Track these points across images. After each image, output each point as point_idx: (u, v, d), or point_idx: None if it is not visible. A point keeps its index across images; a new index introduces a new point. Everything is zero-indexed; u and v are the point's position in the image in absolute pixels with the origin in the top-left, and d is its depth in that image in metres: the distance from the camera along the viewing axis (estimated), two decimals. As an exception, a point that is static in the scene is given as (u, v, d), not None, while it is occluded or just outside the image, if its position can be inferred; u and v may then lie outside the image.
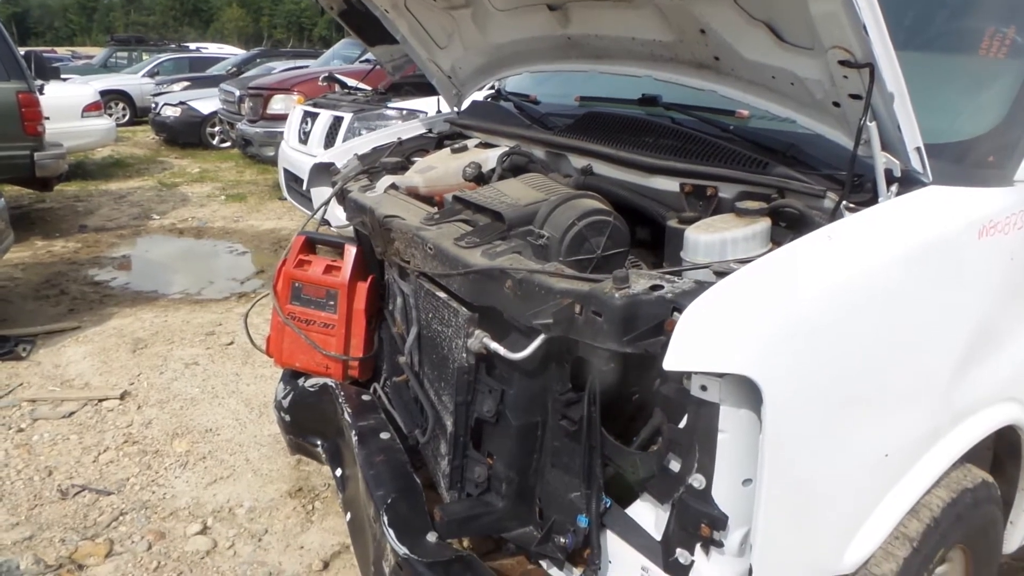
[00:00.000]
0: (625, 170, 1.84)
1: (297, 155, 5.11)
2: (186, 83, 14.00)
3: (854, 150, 1.35)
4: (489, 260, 1.53)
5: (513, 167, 2.11)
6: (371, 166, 2.48)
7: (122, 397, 3.60)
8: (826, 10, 1.27)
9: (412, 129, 2.84)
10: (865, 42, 1.25)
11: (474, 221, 1.76)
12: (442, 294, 1.69)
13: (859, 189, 1.47)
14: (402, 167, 2.41)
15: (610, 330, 1.26)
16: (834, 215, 1.40)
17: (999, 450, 1.77)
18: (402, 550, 1.49)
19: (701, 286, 1.24)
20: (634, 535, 1.39)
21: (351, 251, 2.18)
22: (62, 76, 11.67)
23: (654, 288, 1.28)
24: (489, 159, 2.25)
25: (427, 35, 2.61)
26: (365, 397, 2.05)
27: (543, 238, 1.59)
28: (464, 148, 2.36)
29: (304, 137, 5.11)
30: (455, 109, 2.87)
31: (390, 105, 4.85)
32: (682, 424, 1.27)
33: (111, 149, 11.02)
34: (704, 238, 1.43)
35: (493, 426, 1.55)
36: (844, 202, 1.43)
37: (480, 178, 2.19)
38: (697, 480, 1.24)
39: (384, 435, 1.86)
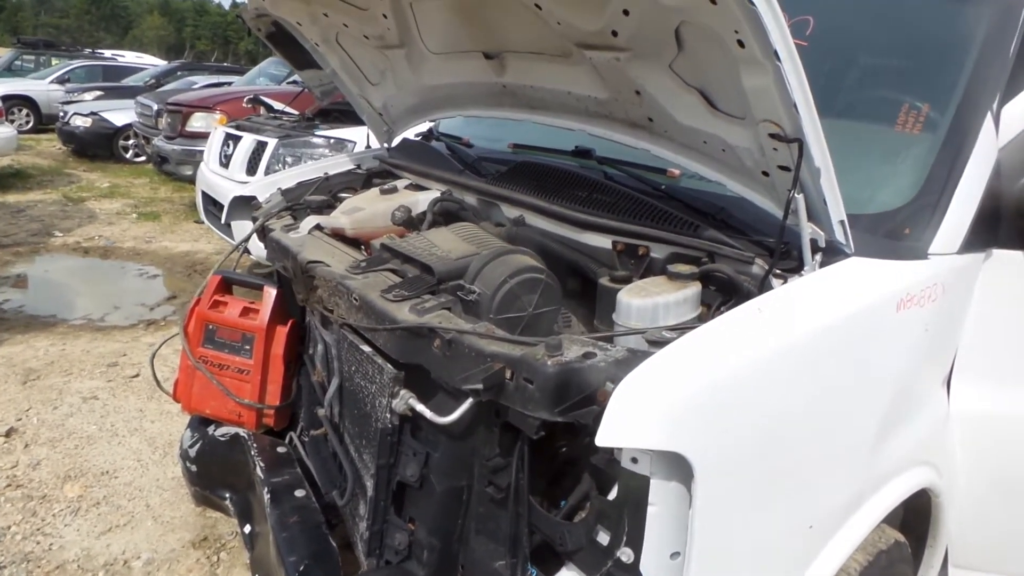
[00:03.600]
0: (557, 224, 1.82)
1: (217, 179, 4.91)
2: (99, 92, 13.30)
3: (783, 220, 1.37)
4: (417, 316, 1.48)
5: (444, 213, 2.07)
6: (295, 202, 2.38)
7: (7, 435, 3.30)
8: (758, 85, 1.30)
9: (340, 164, 2.76)
10: (795, 118, 1.28)
11: (403, 272, 1.70)
12: (367, 348, 1.62)
13: (785, 256, 1.50)
14: (328, 206, 2.32)
15: (541, 398, 1.22)
16: (763, 283, 1.42)
17: (908, 509, 1.83)
18: (313, 624, 1.40)
19: (635, 355, 1.23)
20: (561, 607, 1.35)
21: (271, 293, 2.07)
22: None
23: (587, 356, 1.25)
24: (419, 203, 2.20)
25: (359, 71, 2.56)
26: (280, 449, 1.94)
27: (474, 294, 1.55)
28: (394, 189, 2.30)
29: (225, 161, 4.91)
30: (386, 146, 2.81)
31: (318, 132, 4.72)
32: (612, 496, 1.25)
33: (11, 158, 10.33)
34: (636, 303, 1.42)
35: (416, 490, 1.48)
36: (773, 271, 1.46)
37: (410, 222, 2.14)
38: (626, 554, 1.21)
39: (299, 493, 1.75)
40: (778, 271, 1.47)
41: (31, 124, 14.29)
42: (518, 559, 1.37)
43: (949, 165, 1.60)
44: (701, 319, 1.44)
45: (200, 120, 7.22)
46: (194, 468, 2.11)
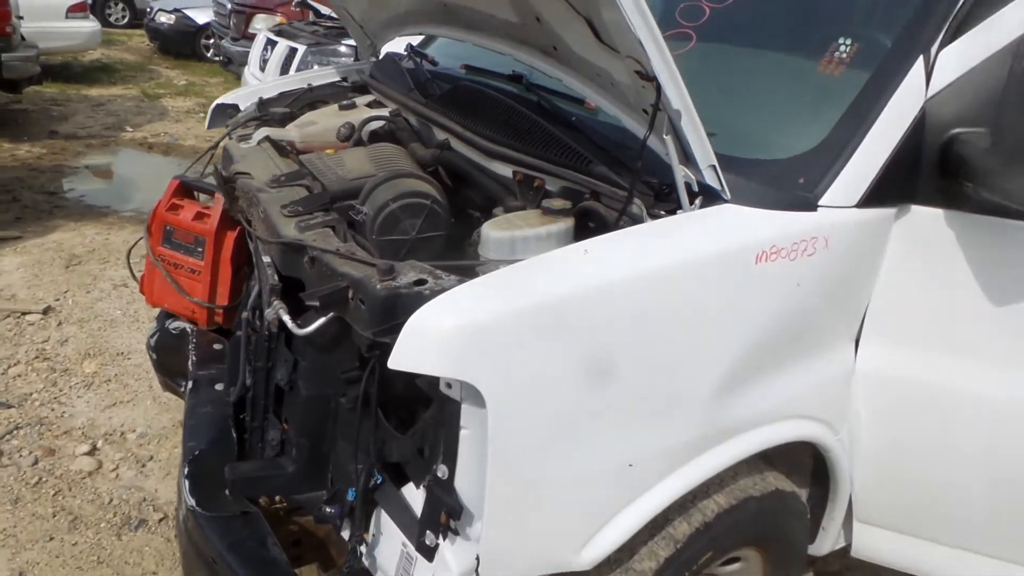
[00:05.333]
0: (474, 150, 1.83)
1: (255, 83, 5.05)
2: (186, -12, 13.65)
3: (637, 162, 1.35)
4: (298, 232, 1.55)
5: (379, 133, 2.10)
6: (264, 114, 2.46)
7: (45, 312, 3.67)
8: (613, 17, 1.25)
9: (325, 76, 2.80)
10: (646, 57, 1.24)
11: (313, 188, 1.77)
12: (267, 259, 1.71)
13: (668, 199, 1.47)
14: (291, 118, 2.39)
15: (368, 319, 1.29)
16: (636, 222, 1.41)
17: (818, 462, 1.82)
18: (190, 501, 1.56)
19: (467, 283, 1.27)
20: (400, 512, 1.46)
21: (221, 200, 2.18)
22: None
23: (418, 283, 1.30)
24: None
25: (338, -19, 2.56)
26: (217, 346, 2.10)
27: (361, 214, 1.60)
28: (353, 105, 2.34)
29: (263, 65, 5.03)
30: (372, 60, 2.83)
31: (345, 42, 4.75)
32: (431, 416, 1.32)
33: (101, 52, 10.84)
34: (495, 235, 1.44)
35: (289, 393, 1.60)
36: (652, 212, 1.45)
37: (359, 140, 2.18)
38: (441, 470, 1.29)
39: (219, 386, 1.91)
40: (663, 212, 1.45)
41: (126, 19, 14.82)
42: (364, 465, 1.47)
43: (861, 113, 1.50)
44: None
45: (261, 22, 7.34)
46: (155, 357, 2.31)
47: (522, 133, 1.73)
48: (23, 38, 7.11)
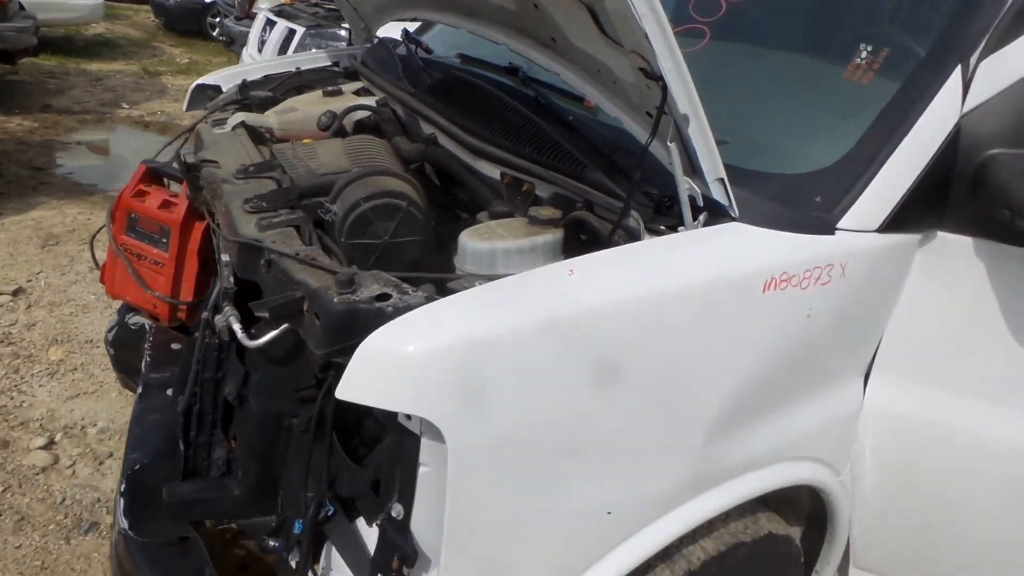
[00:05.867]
0: (459, 147, 1.67)
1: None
2: (196, -34, 13.46)
3: (635, 172, 1.19)
4: (258, 231, 1.40)
5: (365, 124, 1.94)
6: (244, 97, 2.30)
7: (15, 294, 3.52)
8: (616, 7, 1.10)
9: (315, 60, 2.64)
10: (652, 53, 1.08)
11: (282, 181, 1.61)
12: (226, 257, 1.56)
13: (669, 212, 1.32)
14: (273, 102, 2.23)
15: (321, 336, 1.14)
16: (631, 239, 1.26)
17: (817, 503, 1.68)
18: (123, 524, 1.41)
19: (432, 302, 1.12)
20: (352, 549, 1.30)
21: (190, 188, 2.03)
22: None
23: (381, 298, 1.14)
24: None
25: (331, -41, 2.39)
26: (175, 346, 1.95)
27: (330, 213, 1.45)
28: (338, 92, 2.18)
29: (261, 46, 4.87)
30: (366, 45, 2.67)
31: (345, 25, 4.58)
32: (387, 450, 1.17)
33: (105, 27, 10.68)
34: (472, 245, 1.29)
35: (238, 409, 1.45)
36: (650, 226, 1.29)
37: (340, 130, 2.03)
38: (396, 509, 1.14)
39: (170, 392, 1.76)
40: (663, 228, 1.30)
41: (134, -6, 14.63)
42: (316, 494, 1.32)
43: (889, 126, 1.34)
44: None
45: (267, 1, 7.16)
46: (112, 352, 2.16)
47: (513, 131, 1.57)
48: (22, 7, 6.95)
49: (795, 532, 1.69)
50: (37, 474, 2.50)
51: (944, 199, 1.38)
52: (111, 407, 2.86)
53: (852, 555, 1.70)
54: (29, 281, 3.65)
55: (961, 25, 1.37)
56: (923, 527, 1.59)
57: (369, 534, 1.29)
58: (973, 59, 1.36)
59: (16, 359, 3.07)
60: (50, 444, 2.64)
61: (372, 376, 0.99)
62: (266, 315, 1.19)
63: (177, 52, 10.26)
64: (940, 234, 1.42)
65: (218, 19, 11.27)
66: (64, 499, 2.41)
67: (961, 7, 1.38)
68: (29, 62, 7.39)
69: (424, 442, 1.07)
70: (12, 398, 2.85)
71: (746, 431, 1.30)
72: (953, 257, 1.42)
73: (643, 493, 1.20)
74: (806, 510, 1.74)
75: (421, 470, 1.09)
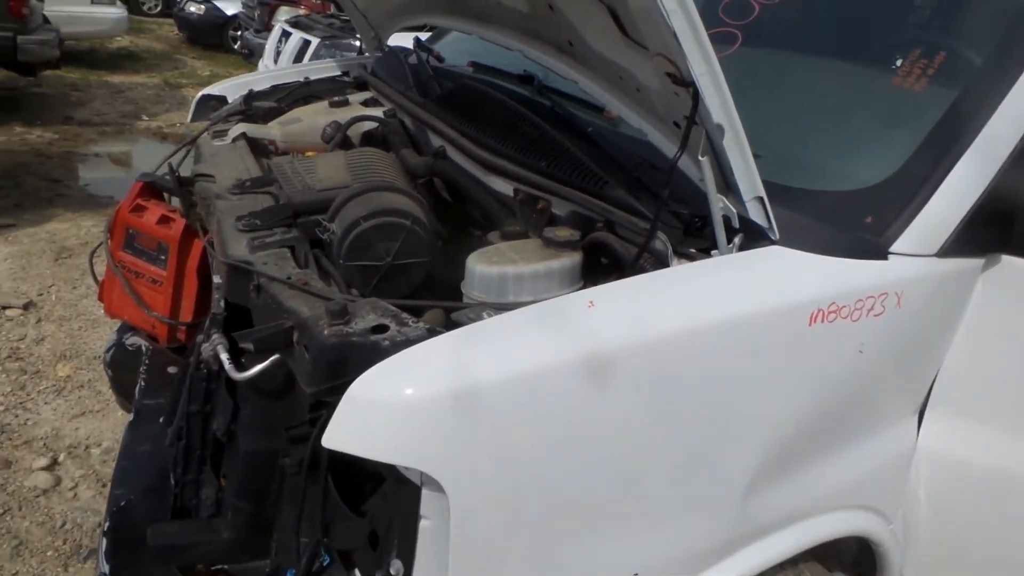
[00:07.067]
0: (469, 161, 1.55)
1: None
2: (220, -20, 13.58)
3: (663, 191, 1.06)
4: (249, 251, 1.29)
5: (372, 135, 1.83)
6: (248, 108, 2.21)
7: (25, 307, 3.46)
8: (641, 4, 0.97)
9: (324, 69, 2.55)
10: (682, 55, 0.95)
11: (279, 197, 1.50)
12: (217, 279, 1.45)
13: (700, 234, 1.18)
14: (278, 113, 2.13)
15: (311, 373, 1.02)
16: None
17: (862, 554, 1.52)
18: (104, 568, 1.30)
19: (432, 336, 0.99)
20: (348, 604, 1.18)
21: (190, 203, 1.93)
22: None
23: (377, 330, 1.02)
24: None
25: (341, -35, 2.30)
26: (172, 369, 1.84)
27: (329, 233, 1.34)
28: (345, 102, 2.08)
29: (277, 57, 4.81)
30: (376, 53, 2.57)
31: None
32: (384, 499, 1.04)
33: (129, 40, 10.77)
34: (480, 270, 1.16)
35: (228, 445, 1.33)
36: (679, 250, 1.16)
37: (345, 142, 1.92)
38: (395, 566, 1.01)
39: (163, 420, 1.65)
40: (694, 250, 1.17)
41: (159, 7, 14.79)
42: (311, 541, 1.20)
43: (948, 138, 1.19)
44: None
45: (285, 14, 7.15)
46: (111, 374, 2.06)
47: (528, 144, 1.45)
48: (46, 20, 6.99)
49: (839, 580, 1.55)
50: (38, 496, 2.41)
51: (1011, 219, 1.23)
52: (116, 427, 2.76)
53: (900, 609, 1.54)
54: (40, 295, 3.59)
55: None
56: (982, 580, 1.44)
57: (365, 587, 1.17)
58: (1043, 61, 1.21)
59: (23, 375, 3.00)
60: (53, 465, 2.55)
61: (361, 424, 0.87)
62: (250, 347, 1.07)
63: (199, 65, 10.31)
64: (1005, 258, 1.27)
65: (239, 32, 11.35)
66: (64, 523, 2.32)
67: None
68: (52, 74, 7.44)
69: (425, 493, 0.94)
70: (17, 415, 2.77)
71: (790, 480, 1.16)
72: (1020, 283, 1.27)
73: (672, 554, 1.07)
74: (851, 555, 1.58)
75: (422, 523, 0.96)
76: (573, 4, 1.23)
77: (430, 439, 0.87)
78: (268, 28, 7.29)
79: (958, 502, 1.42)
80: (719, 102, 0.99)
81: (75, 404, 2.88)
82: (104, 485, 2.51)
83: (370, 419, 0.87)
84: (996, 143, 1.19)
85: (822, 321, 1.08)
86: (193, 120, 2.41)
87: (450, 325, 1.06)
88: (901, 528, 1.45)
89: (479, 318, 1.04)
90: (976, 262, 1.25)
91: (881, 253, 1.16)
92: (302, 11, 6.80)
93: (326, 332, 1.01)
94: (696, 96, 0.99)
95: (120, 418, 2.81)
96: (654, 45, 1.03)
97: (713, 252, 1.14)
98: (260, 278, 1.19)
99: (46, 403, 2.87)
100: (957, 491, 1.41)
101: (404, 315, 1.06)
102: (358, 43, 4.61)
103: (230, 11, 11.28)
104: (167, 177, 2.02)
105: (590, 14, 1.20)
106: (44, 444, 2.65)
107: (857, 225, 1.18)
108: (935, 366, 1.34)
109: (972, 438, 1.37)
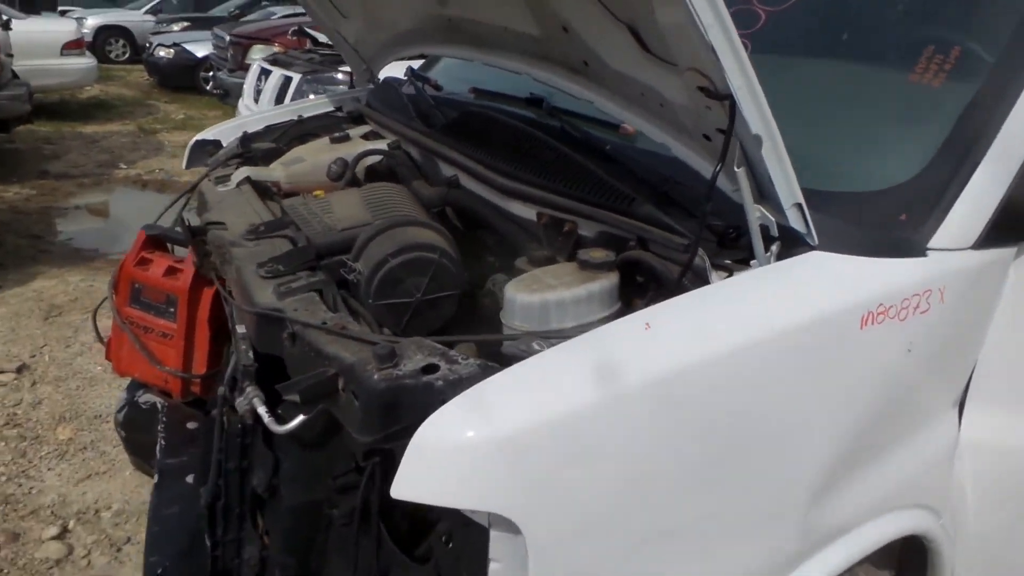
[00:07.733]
0: (487, 188, 1.54)
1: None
2: (186, 23, 13.55)
3: (705, 203, 1.05)
4: (276, 298, 1.26)
5: (377, 170, 1.81)
6: (247, 150, 2.18)
7: (19, 371, 3.37)
8: (674, 20, 0.96)
9: (317, 107, 2.53)
10: (719, 68, 0.94)
11: (297, 240, 1.47)
12: (241, 329, 1.41)
13: (735, 245, 1.17)
14: (277, 154, 2.10)
15: (362, 421, 0.98)
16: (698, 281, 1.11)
17: (904, 553, 1.51)
18: (148, 641, 1.25)
19: (486, 373, 0.97)
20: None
21: (196, 252, 1.89)
22: (60, 9, 11.35)
23: (428, 370, 0.99)
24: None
25: (329, 1, 2.29)
26: (190, 425, 1.80)
27: (355, 273, 1.31)
28: (346, 138, 2.05)
29: (257, 96, 4.79)
30: (369, 86, 2.55)
31: (342, 68, 4.50)
32: (452, 544, 1.01)
33: (99, 88, 10.69)
34: (521, 299, 1.14)
35: (269, 501, 1.29)
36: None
37: (353, 178, 1.89)
38: (464, 614, 0.98)
39: (191, 479, 1.60)
40: (729, 262, 1.15)
41: (127, 55, 14.72)
42: (366, 593, 1.16)
43: (976, 131, 1.20)
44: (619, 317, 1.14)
45: (258, 52, 7.13)
46: (124, 434, 2.01)
47: (546, 166, 1.44)
48: (15, 75, 6.91)
49: (888, 577, 1.53)
50: (51, 568, 2.33)
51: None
52: (125, 487, 2.69)
53: (956, 602, 1.52)
54: (33, 356, 3.51)
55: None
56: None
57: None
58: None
59: (23, 442, 2.91)
60: (63, 533, 2.47)
61: (431, 472, 0.84)
62: (296, 399, 1.03)
63: (172, 108, 10.25)
64: (1037, 245, 1.27)
65: (212, 73, 11.29)
66: (80, 594, 2.24)
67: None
68: (24, 129, 7.34)
69: (494, 535, 0.91)
70: (20, 485, 2.69)
71: (850, 485, 1.14)
72: None
73: (747, 570, 1.04)
74: (896, 555, 1.57)
75: (492, 567, 0.93)
76: (590, 24, 1.22)
77: (505, 481, 0.84)
78: (243, 67, 7.26)
79: (1003, 491, 1.42)
80: (757, 113, 0.98)
81: (80, 467, 2.80)
82: (118, 549, 2.44)
83: (442, 466, 0.84)
84: (1021, 131, 1.20)
85: (872, 323, 1.07)
86: (188, 166, 2.37)
87: (502, 359, 1.03)
88: (951, 522, 1.44)
89: (531, 349, 1.02)
90: (1009, 251, 1.25)
91: (920, 250, 1.16)
92: (277, 48, 6.77)
93: (376, 377, 0.98)
94: (732, 108, 0.98)
95: (128, 478, 2.75)
96: (684, 60, 1.02)
97: (751, 263, 1.13)
98: (294, 326, 1.16)
99: (49, 469, 2.79)
100: (1002, 480, 1.41)
101: (452, 352, 1.03)
102: (342, 75, 4.61)
103: (200, 52, 11.23)
104: (173, 227, 1.99)
105: (608, 33, 1.20)
106: (52, 512, 2.57)
107: (891, 224, 1.18)
108: (974, 358, 1.34)
109: (1013, 426, 1.37)
